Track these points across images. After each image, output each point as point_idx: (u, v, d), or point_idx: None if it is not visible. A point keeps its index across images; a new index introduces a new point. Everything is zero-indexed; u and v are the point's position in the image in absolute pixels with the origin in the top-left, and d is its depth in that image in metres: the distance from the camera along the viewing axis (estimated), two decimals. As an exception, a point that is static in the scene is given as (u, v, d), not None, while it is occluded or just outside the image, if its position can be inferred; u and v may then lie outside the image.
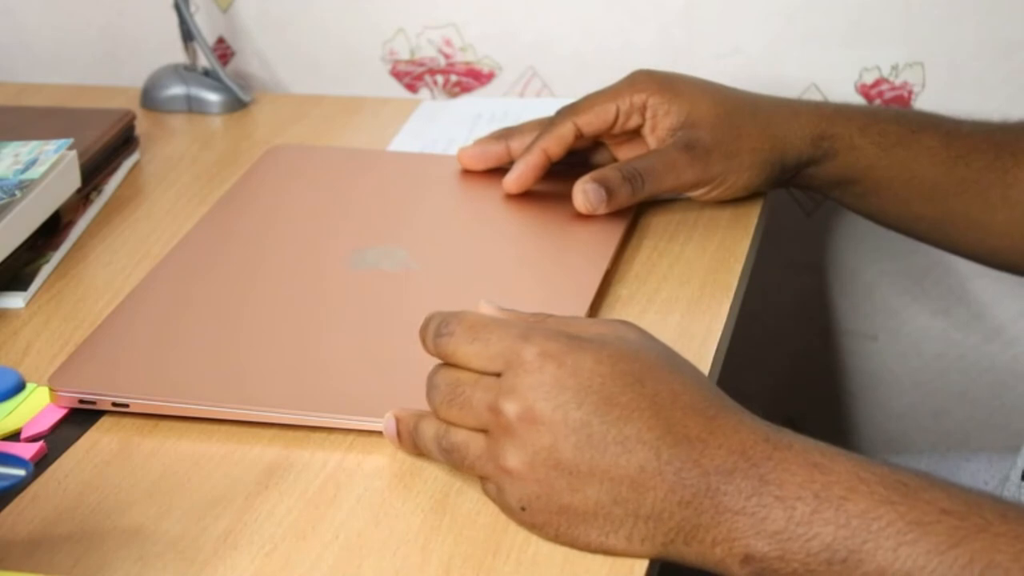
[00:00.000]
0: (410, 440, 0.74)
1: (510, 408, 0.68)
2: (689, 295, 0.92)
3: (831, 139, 1.00)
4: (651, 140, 1.00)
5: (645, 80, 1.00)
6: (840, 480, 0.65)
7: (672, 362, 0.71)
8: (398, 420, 0.75)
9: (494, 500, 0.71)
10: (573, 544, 0.69)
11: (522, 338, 0.69)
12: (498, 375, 0.69)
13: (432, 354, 0.72)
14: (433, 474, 0.74)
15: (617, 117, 0.99)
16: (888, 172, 1.01)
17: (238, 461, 0.76)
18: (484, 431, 0.70)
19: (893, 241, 1.28)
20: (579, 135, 0.99)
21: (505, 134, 1.04)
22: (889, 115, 1.04)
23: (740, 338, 0.96)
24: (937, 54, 1.22)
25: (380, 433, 0.77)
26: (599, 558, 0.68)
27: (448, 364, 0.72)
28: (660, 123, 0.99)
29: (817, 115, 1.01)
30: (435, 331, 0.72)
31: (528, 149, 1.00)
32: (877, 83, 1.23)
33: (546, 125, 1.01)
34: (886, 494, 0.65)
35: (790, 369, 1.35)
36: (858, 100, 1.23)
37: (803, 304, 1.33)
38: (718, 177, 0.99)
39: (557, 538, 0.69)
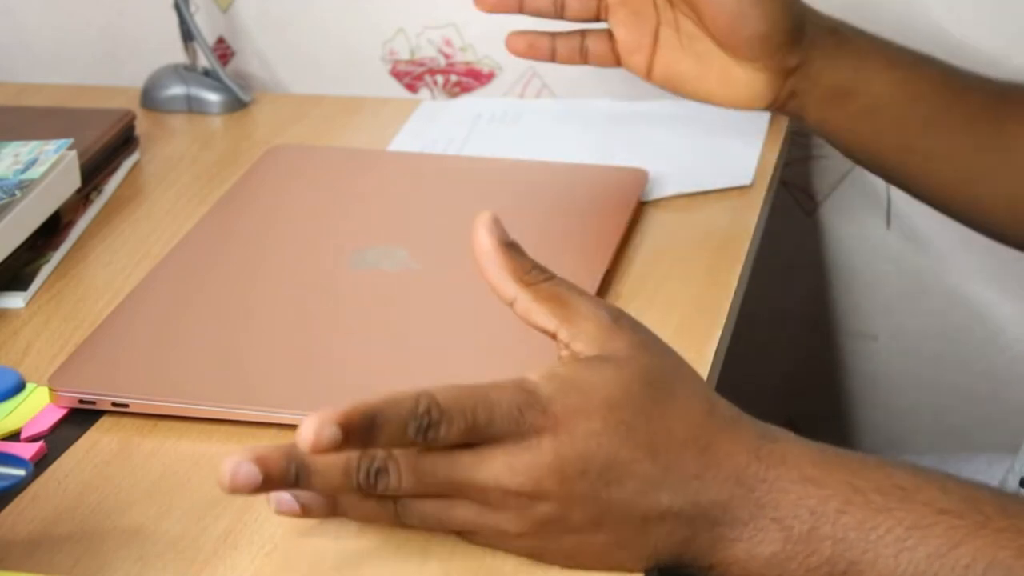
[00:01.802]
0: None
1: (514, 484, 0.65)
2: (689, 295, 0.92)
3: (842, 38, 0.98)
4: None
5: None
6: (836, 493, 0.65)
7: (663, 381, 0.68)
8: None
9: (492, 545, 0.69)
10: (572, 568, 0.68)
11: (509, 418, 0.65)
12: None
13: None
14: (433, 474, 0.74)
15: None
16: (889, 90, 0.99)
17: (238, 461, 0.76)
18: (474, 500, 0.67)
19: (893, 241, 1.28)
20: None
21: None
22: (896, 45, 1.01)
23: (740, 338, 0.96)
24: (937, 54, 1.21)
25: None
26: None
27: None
28: None
29: (831, 18, 0.99)
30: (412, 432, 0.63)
31: None
32: (877, 83, 1.23)
33: None
34: (883, 502, 0.64)
35: (790, 369, 1.35)
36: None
37: (803, 304, 1.33)
38: (746, 16, 0.96)
39: (555, 565, 0.68)
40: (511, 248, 0.70)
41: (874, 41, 1.00)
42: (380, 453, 0.64)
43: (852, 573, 0.64)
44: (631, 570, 0.67)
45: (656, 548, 0.67)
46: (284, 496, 0.68)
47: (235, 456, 0.62)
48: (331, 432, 0.61)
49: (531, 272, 0.70)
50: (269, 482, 0.63)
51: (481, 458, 0.65)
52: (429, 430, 0.63)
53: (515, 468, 0.65)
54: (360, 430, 0.61)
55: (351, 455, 0.64)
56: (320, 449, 0.61)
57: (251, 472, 0.62)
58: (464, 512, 0.67)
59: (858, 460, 0.67)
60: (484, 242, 0.70)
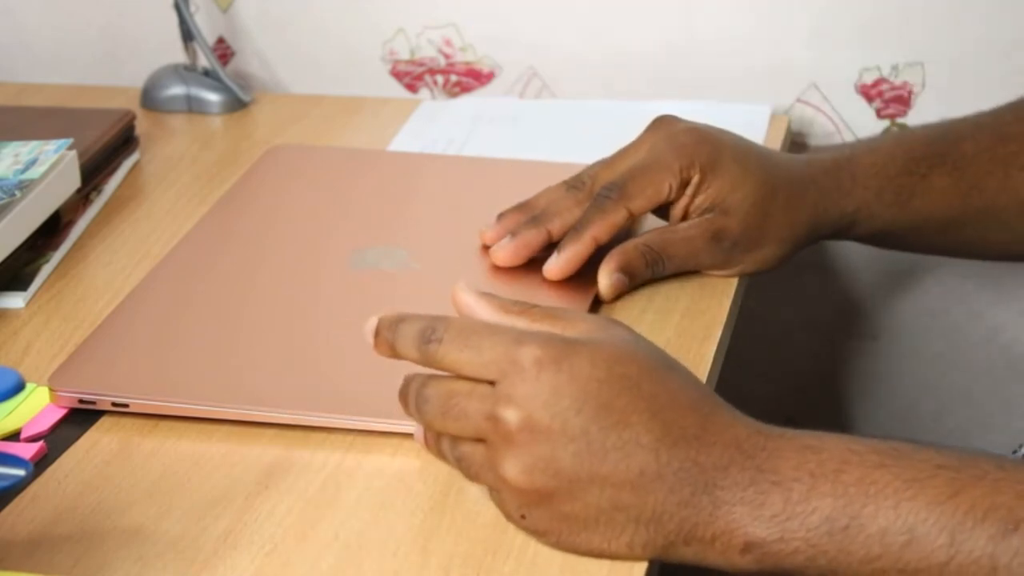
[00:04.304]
0: (436, 449, 0.73)
1: (509, 417, 0.67)
2: (689, 295, 0.92)
3: (852, 215, 0.96)
4: (676, 209, 0.93)
5: (694, 150, 0.92)
6: (833, 455, 0.66)
7: (664, 361, 0.71)
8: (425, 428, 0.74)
9: (498, 507, 0.71)
10: (575, 551, 0.68)
11: (516, 343, 0.68)
12: (491, 383, 0.68)
13: (415, 361, 0.71)
14: (433, 474, 0.74)
15: (668, 195, 0.92)
16: (905, 223, 0.98)
17: (238, 461, 0.76)
18: (482, 440, 0.69)
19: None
20: (630, 218, 0.92)
21: (541, 217, 0.93)
22: (899, 165, 0.97)
23: (740, 338, 0.96)
24: (937, 54, 1.22)
25: (380, 433, 0.77)
26: (599, 559, 0.68)
27: (435, 374, 0.70)
28: (695, 200, 0.92)
29: (838, 191, 0.96)
30: (420, 337, 0.70)
31: (577, 236, 0.90)
32: (877, 83, 1.23)
33: (594, 207, 0.91)
34: (879, 459, 0.66)
35: (790, 369, 1.35)
36: (858, 100, 1.23)
37: (803, 304, 1.33)
38: (738, 266, 0.94)
39: (558, 545, 0.69)
40: (491, 295, 0.74)
41: (880, 189, 0.96)
42: (421, 378, 0.71)
43: (853, 527, 0.65)
44: (631, 547, 0.68)
45: (655, 512, 0.67)
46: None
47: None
48: (371, 322, 0.72)
49: (517, 305, 0.73)
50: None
51: (474, 386, 0.68)
52: (431, 342, 0.69)
53: (511, 397, 0.67)
54: (388, 326, 0.71)
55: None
56: (369, 333, 0.72)
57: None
58: (474, 449, 0.69)
59: (852, 436, 0.68)
60: (467, 297, 0.74)
